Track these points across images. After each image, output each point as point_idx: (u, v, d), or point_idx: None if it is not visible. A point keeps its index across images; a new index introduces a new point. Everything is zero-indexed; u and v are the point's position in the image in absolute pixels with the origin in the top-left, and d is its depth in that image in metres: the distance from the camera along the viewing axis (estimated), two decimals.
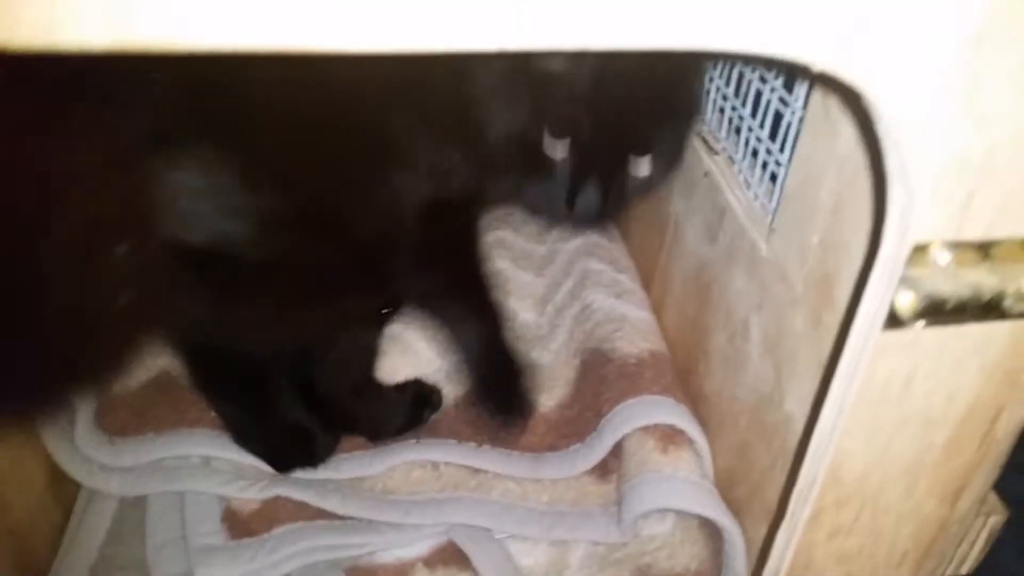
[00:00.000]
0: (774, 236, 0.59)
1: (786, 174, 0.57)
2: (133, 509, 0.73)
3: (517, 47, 0.27)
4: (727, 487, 0.67)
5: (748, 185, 0.64)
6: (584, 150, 0.60)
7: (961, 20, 0.29)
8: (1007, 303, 0.35)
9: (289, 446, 0.74)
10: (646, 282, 0.86)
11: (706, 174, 0.70)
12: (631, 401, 0.69)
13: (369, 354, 0.77)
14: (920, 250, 0.34)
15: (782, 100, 0.58)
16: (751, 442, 0.63)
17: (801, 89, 0.55)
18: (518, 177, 0.64)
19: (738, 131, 0.65)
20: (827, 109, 0.49)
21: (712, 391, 0.69)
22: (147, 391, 0.78)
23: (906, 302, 0.34)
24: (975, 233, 0.34)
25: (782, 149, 0.58)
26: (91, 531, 0.71)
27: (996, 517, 0.46)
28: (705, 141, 0.71)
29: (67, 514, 0.73)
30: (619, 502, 0.68)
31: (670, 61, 0.60)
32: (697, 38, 0.28)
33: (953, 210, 0.33)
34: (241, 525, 0.70)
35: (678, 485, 0.64)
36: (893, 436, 0.40)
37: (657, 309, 0.82)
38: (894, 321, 0.35)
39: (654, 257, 0.84)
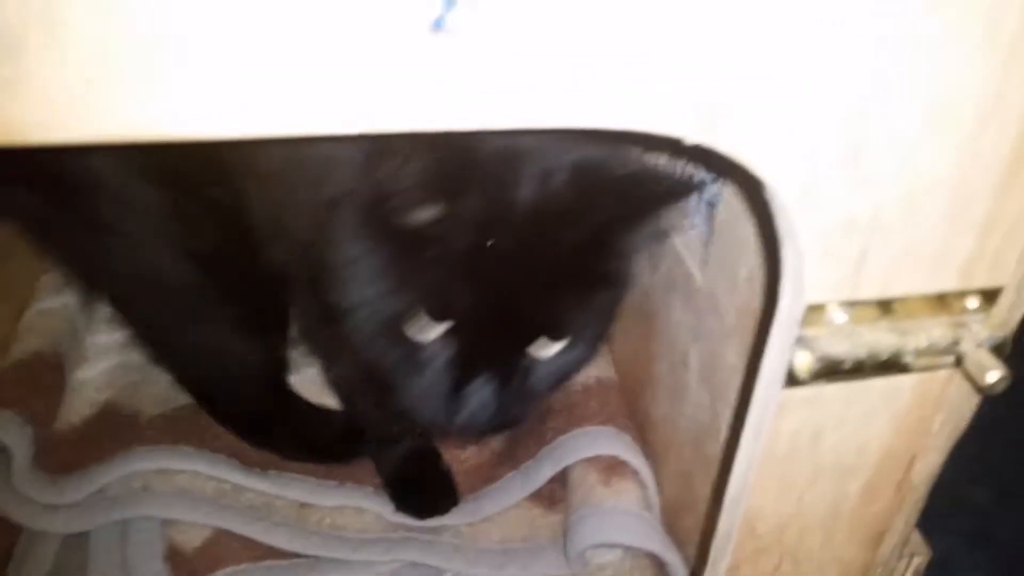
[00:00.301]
0: (708, 267, 0.58)
1: (718, 206, 0.57)
2: (74, 551, 0.72)
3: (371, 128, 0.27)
4: (673, 516, 0.67)
5: (686, 214, 0.64)
6: (471, 336, 0.45)
7: (842, 95, 0.29)
8: (907, 359, 0.35)
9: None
10: None
11: None
12: (575, 432, 0.69)
13: (265, 367, 0.72)
14: (816, 310, 0.34)
15: None
16: (694, 472, 0.63)
17: None
18: (388, 366, 0.48)
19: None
20: None
21: (658, 419, 0.69)
22: (90, 425, 0.77)
23: (803, 362, 0.34)
24: (871, 291, 0.34)
25: (716, 180, 0.58)
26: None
27: (920, 558, 0.46)
28: None
29: (6, 560, 0.72)
30: (564, 535, 0.68)
31: (588, 221, 0.44)
32: (569, 115, 0.28)
33: (846, 270, 0.33)
34: (184, 565, 0.69)
35: (620, 519, 0.64)
36: (807, 488, 0.40)
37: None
38: (793, 380, 0.34)
39: None
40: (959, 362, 0.36)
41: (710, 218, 0.59)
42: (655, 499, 0.67)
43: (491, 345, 0.45)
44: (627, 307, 0.76)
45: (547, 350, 0.47)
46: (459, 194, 0.42)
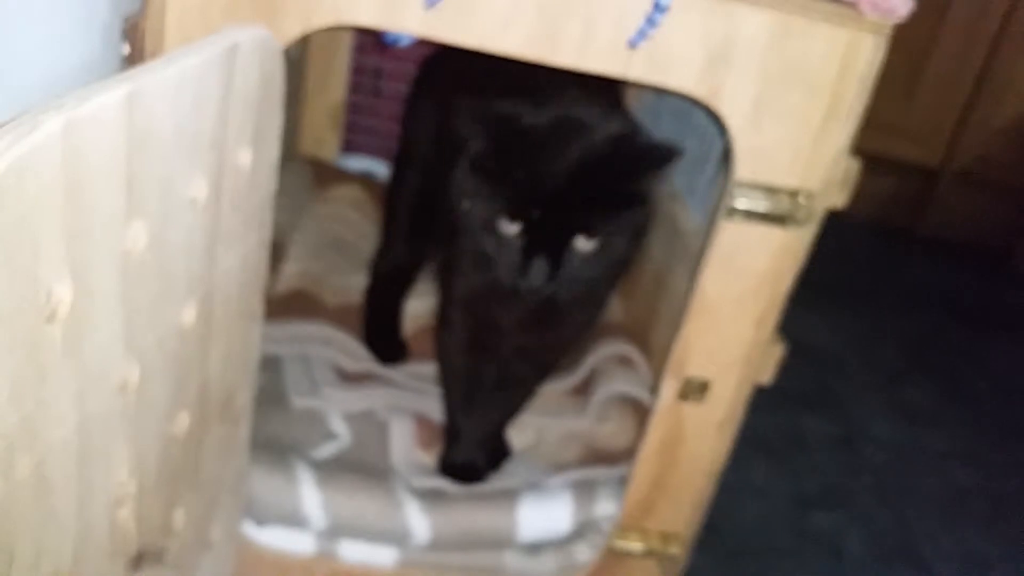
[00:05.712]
0: (702, 234, 1.21)
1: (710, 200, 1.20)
2: (272, 364, 1.27)
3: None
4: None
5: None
6: (535, 231, 0.87)
7: (745, 105, 0.93)
8: (774, 215, 0.96)
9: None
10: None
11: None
12: (605, 340, 1.29)
13: (401, 265, 1.39)
14: (742, 184, 0.96)
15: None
16: None
17: None
18: (487, 250, 0.90)
19: None
20: None
21: (657, 343, 1.29)
22: (287, 298, 1.37)
23: (732, 204, 0.95)
24: (765, 179, 0.96)
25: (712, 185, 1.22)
26: None
27: (782, 347, 1.04)
28: None
29: None
30: (589, 395, 1.25)
31: (614, 170, 0.90)
32: (629, 69, 0.91)
33: (756, 167, 0.95)
34: (346, 376, 1.26)
35: (624, 381, 1.23)
36: (730, 283, 1.00)
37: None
38: (729, 214, 0.96)
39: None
40: (795, 225, 0.97)
41: (706, 207, 1.22)
42: (647, 377, 1.26)
43: (547, 236, 0.87)
44: (638, 280, 1.38)
45: (584, 245, 0.88)
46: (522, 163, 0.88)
